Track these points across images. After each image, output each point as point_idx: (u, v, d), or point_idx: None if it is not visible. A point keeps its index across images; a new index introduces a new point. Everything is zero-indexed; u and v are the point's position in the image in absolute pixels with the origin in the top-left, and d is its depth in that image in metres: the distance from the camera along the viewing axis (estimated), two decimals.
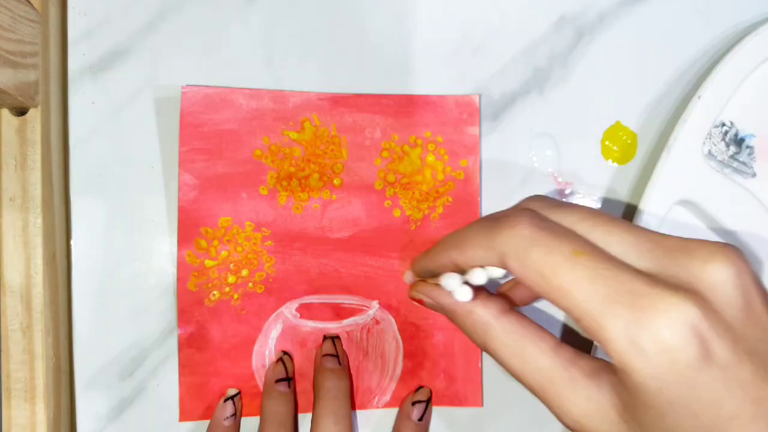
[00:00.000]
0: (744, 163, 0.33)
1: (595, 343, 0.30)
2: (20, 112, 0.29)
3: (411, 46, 0.33)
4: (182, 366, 0.31)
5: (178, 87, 0.31)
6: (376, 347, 0.32)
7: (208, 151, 0.31)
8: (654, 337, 0.20)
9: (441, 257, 0.26)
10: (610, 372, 0.22)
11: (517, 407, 0.32)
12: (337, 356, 0.31)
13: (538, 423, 0.32)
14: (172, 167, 0.31)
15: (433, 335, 0.32)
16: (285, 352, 0.31)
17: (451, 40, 0.33)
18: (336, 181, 0.32)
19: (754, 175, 0.33)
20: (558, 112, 0.33)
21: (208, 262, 0.31)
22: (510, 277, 0.28)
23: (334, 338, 0.31)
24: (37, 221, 0.29)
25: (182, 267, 0.31)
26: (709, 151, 0.32)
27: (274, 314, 0.31)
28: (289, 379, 0.30)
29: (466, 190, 0.32)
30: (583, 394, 0.22)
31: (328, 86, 0.32)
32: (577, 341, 0.32)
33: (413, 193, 0.32)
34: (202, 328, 0.31)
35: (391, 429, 0.32)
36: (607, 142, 0.33)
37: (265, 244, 0.31)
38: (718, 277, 0.20)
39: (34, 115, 0.29)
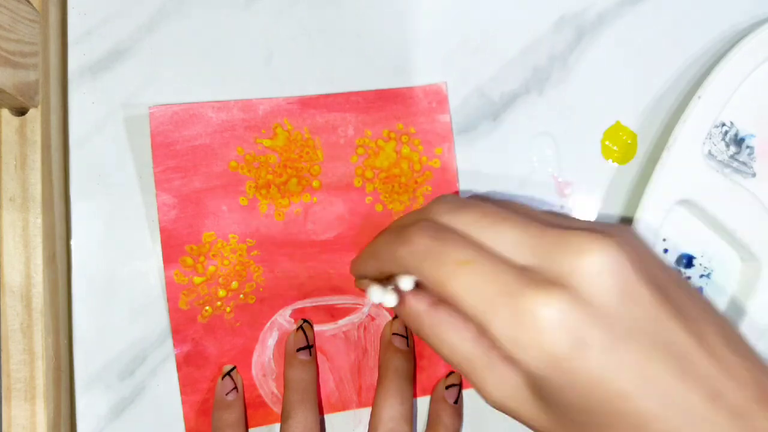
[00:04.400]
0: (744, 163, 0.33)
1: None
2: (20, 112, 0.29)
3: (411, 46, 0.33)
4: (183, 385, 0.31)
5: (179, 87, 0.31)
6: (375, 344, 0.32)
7: (182, 169, 0.31)
8: (529, 335, 0.21)
9: (366, 267, 0.29)
10: None
11: None
12: (406, 337, 0.31)
13: None
14: None
15: None
16: (305, 320, 0.31)
17: (451, 40, 0.33)
18: (315, 184, 0.32)
19: (754, 175, 0.33)
20: (558, 112, 0.33)
21: (197, 279, 0.31)
22: None
23: None
24: (37, 221, 0.29)
25: (171, 287, 0.31)
26: (709, 151, 0.32)
27: (269, 323, 0.31)
28: (309, 347, 0.31)
29: (444, 178, 0.32)
30: (501, 377, 0.24)
31: (328, 86, 0.32)
32: None
33: (393, 186, 0.32)
34: (198, 345, 0.31)
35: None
36: (607, 142, 0.33)
37: (252, 254, 0.31)
38: (590, 268, 0.21)
39: (34, 115, 0.29)
